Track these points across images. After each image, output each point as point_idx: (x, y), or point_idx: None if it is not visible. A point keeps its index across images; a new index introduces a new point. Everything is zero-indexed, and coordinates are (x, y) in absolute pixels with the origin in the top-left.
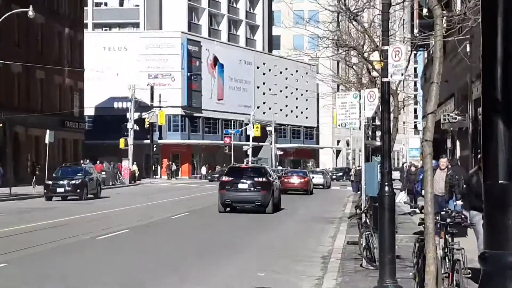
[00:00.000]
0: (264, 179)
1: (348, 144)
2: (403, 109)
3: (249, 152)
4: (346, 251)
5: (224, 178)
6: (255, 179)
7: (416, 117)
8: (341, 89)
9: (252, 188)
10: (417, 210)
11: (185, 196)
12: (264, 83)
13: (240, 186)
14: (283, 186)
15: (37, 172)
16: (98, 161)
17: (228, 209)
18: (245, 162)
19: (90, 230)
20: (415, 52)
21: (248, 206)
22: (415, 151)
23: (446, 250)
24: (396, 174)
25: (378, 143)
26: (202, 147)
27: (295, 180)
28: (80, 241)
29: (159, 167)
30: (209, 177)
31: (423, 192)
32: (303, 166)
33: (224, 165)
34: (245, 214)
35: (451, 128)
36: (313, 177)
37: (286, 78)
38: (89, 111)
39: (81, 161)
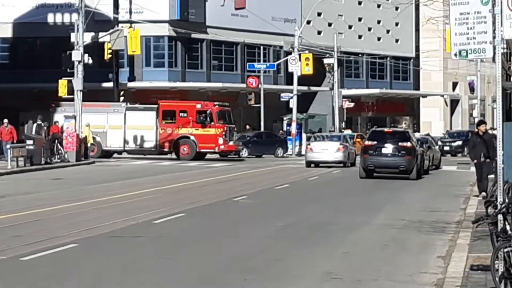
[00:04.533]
0: (409, 144)
1: (472, 90)
2: None
3: (293, 103)
4: (469, 283)
5: (367, 142)
6: (400, 143)
7: None
8: None
9: (396, 153)
10: None
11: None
12: None
13: (384, 150)
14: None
15: None
16: (5, 122)
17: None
18: (285, 124)
19: None
20: None
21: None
22: None
23: None
24: None
25: None
26: (207, 94)
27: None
28: None
29: None
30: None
31: None
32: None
33: (248, 126)
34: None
35: None
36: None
37: None
38: (2, 30)
39: None
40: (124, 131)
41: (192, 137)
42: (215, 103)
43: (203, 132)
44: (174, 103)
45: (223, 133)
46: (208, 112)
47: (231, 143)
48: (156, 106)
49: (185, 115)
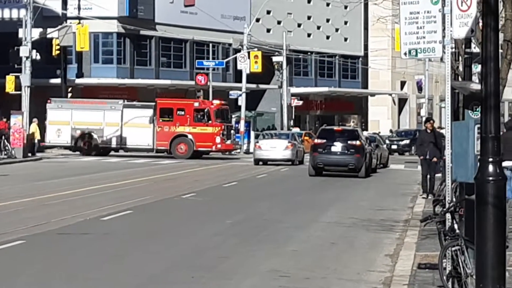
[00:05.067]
0: (358, 142)
1: (420, 89)
2: None
3: (242, 101)
4: (417, 282)
5: (317, 141)
6: (349, 142)
7: None
8: None
9: (345, 151)
10: None
11: None
12: None
13: (333, 149)
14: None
15: None
16: None
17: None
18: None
19: None
20: None
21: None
22: None
23: None
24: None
25: (476, 85)
26: (156, 91)
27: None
28: None
29: None
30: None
31: None
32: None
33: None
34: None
35: None
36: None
37: None
38: None
39: None
40: (120, 128)
41: (189, 136)
42: (213, 101)
43: (200, 130)
44: (172, 100)
45: (221, 131)
46: (205, 110)
47: (228, 142)
48: (153, 103)
49: (183, 113)
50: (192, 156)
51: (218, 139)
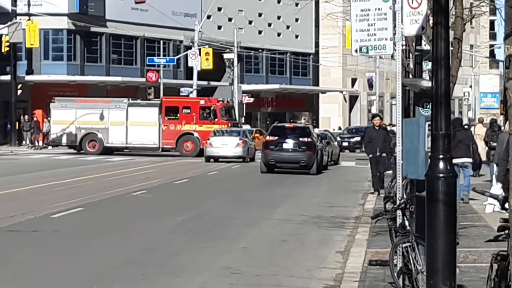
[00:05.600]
0: (309, 139)
1: (371, 87)
2: (470, 23)
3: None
4: (368, 278)
5: (268, 138)
6: (300, 139)
7: (493, 36)
8: None
9: (297, 148)
10: (495, 204)
11: None
12: None
13: (285, 146)
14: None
15: None
16: None
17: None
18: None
19: None
20: None
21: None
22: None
23: None
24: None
25: (426, 83)
26: (106, 88)
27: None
28: None
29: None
30: None
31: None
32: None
33: None
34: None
35: None
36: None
37: None
38: None
39: None
40: (126, 127)
41: (195, 134)
42: (219, 99)
43: (207, 128)
44: (177, 99)
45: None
46: (212, 108)
47: None
48: (158, 102)
49: (189, 111)
50: (199, 154)
51: None
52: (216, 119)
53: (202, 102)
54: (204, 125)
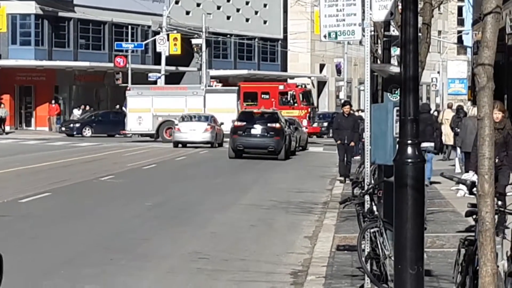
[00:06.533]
0: (277, 125)
1: (339, 72)
2: (438, 9)
3: (161, 83)
4: (336, 263)
5: (237, 123)
6: (268, 124)
7: (461, 23)
8: None
9: (265, 134)
10: (463, 189)
11: None
12: None
13: (253, 131)
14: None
15: None
16: None
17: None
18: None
19: None
20: None
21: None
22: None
23: None
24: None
25: (395, 68)
26: (74, 73)
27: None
28: None
29: None
30: (63, 127)
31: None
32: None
33: (117, 106)
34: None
35: None
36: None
37: None
38: None
39: None
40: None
41: None
42: (297, 84)
43: (286, 114)
44: (256, 84)
45: (307, 114)
46: (291, 93)
47: (315, 124)
48: (236, 88)
49: (267, 96)
50: None
51: (305, 122)
52: (296, 104)
53: (281, 87)
54: (284, 110)
